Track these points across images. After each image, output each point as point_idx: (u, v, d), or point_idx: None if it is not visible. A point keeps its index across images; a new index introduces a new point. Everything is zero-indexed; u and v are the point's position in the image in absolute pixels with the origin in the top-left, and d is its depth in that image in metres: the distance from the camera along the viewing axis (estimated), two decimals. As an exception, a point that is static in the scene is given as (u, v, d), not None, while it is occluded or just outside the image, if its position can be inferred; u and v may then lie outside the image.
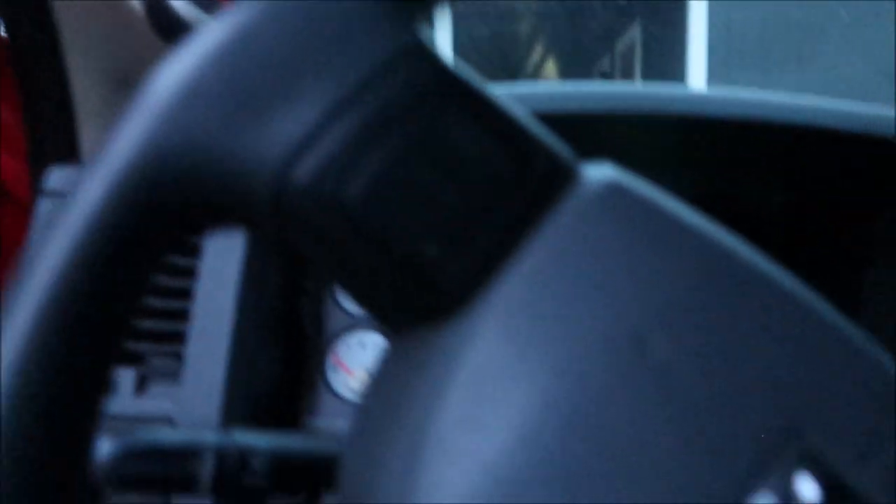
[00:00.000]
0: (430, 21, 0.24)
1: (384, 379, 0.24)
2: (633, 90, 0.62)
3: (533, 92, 0.63)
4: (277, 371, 0.71)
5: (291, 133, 0.20)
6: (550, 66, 8.93)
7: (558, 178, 0.23)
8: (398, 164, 0.21)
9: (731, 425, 0.20)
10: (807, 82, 4.91)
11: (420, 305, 0.22)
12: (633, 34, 6.87)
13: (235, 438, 0.42)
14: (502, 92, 0.25)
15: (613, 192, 0.22)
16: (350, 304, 0.76)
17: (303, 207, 0.21)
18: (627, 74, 7.12)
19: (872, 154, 0.61)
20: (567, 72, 8.93)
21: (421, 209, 0.21)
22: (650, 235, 0.22)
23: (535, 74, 9.26)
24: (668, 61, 6.20)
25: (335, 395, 0.74)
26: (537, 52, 8.01)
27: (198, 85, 0.20)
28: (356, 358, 0.75)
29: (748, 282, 0.22)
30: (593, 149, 0.66)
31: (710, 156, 0.67)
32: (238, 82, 0.20)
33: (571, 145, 0.65)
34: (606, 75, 7.76)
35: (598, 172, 0.23)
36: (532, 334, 0.21)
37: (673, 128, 0.62)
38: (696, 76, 5.58)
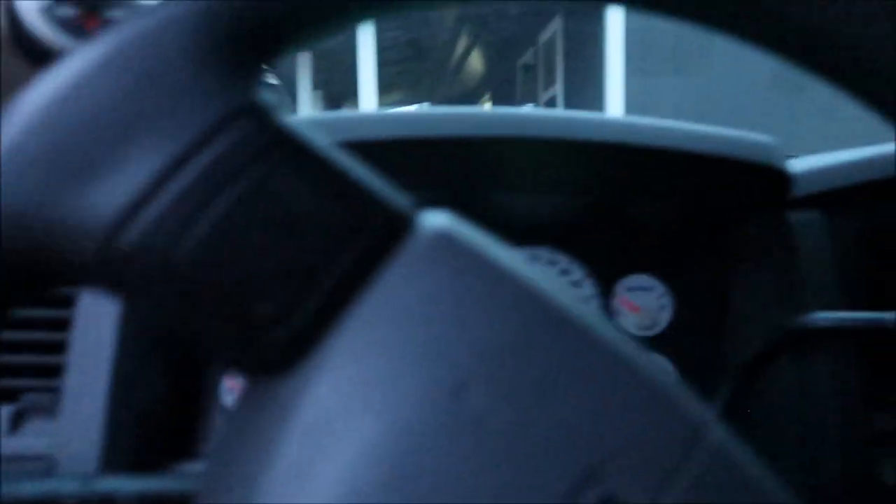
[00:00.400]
0: (264, 78, 0.24)
1: (234, 423, 0.24)
2: (528, 114, 0.64)
3: (418, 116, 0.64)
4: (165, 399, 0.69)
5: (118, 197, 0.20)
6: (475, 61, 8.98)
7: (392, 231, 0.23)
8: (228, 225, 0.21)
9: (539, 472, 0.21)
10: (715, 75, 5.10)
11: (254, 360, 0.22)
12: (555, 27, 6.98)
13: (96, 485, 0.41)
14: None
15: (443, 242, 0.23)
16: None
17: (132, 271, 0.21)
18: (550, 67, 7.24)
19: (734, 171, 0.65)
20: (491, 66, 9.00)
21: (251, 269, 0.21)
22: (475, 285, 0.22)
23: (459, 70, 9.31)
24: (588, 53, 6.33)
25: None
26: (460, 47, 8.06)
27: (22, 149, 0.20)
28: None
29: (560, 329, 0.23)
30: (489, 172, 0.67)
31: (598, 176, 0.69)
32: (64, 146, 0.20)
33: (465, 168, 0.68)
34: (530, 68, 7.88)
35: (433, 223, 0.23)
36: (359, 387, 0.21)
37: (567, 150, 0.64)
38: (614, 68, 5.71)
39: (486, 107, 0.70)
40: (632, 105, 5.62)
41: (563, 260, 0.80)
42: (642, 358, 0.24)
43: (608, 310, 0.79)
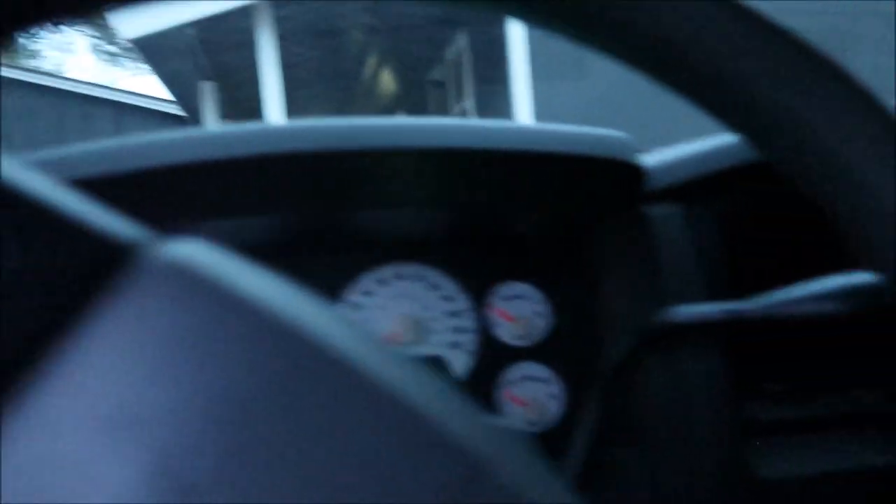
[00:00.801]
0: None
1: None
2: (380, 125, 0.60)
3: (271, 131, 0.59)
4: None
5: None
6: (385, 78, 8.99)
7: (99, 269, 0.20)
8: None
9: None
10: (622, 77, 5.23)
11: None
12: (461, 43, 7.05)
13: None
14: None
15: (173, 275, 0.19)
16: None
17: None
18: (458, 81, 7.29)
19: (585, 168, 0.63)
20: (402, 82, 9.03)
21: None
22: (206, 325, 0.19)
23: (371, 88, 9.29)
24: (495, 63, 6.41)
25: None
26: (370, 65, 8.04)
27: None
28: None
29: (316, 367, 0.19)
30: (348, 187, 0.63)
31: (455, 184, 0.66)
32: None
33: (324, 184, 0.63)
34: (439, 84, 7.92)
35: (163, 253, 0.20)
36: (48, 472, 0.17)
37: (420, 161, 0.60)
38: (519, 76, 5.81)
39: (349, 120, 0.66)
40: (541, 112, 5.72)
41: (432, 274, 0.76)
42: (417, 392, 0.20)
43: (484, 321, 0.76)
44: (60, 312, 0.19)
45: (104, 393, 0.18)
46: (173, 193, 0.58)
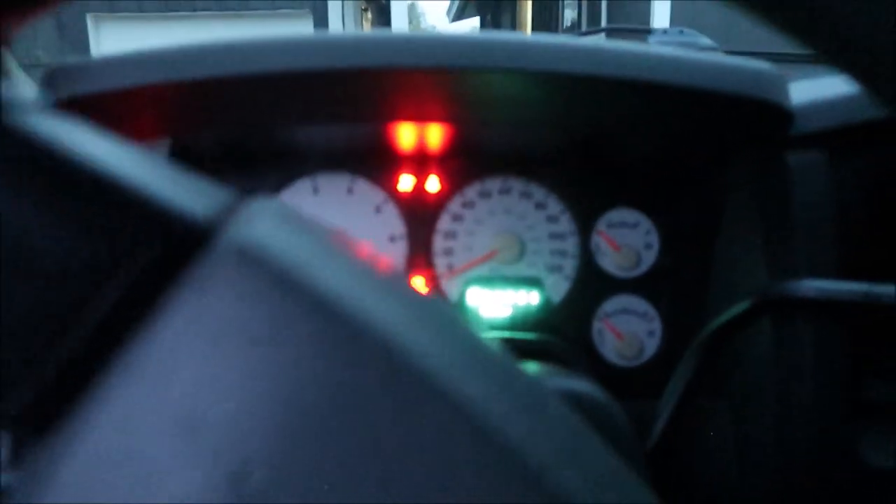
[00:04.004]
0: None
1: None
2: (509, 41, 0.56)
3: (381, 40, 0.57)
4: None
5: None
6: (524, 13, 8.76)
7: (174, 252, 0.18)
8: None
9: None
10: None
11: (7, 419, 0.18)
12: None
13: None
14: None
15: (243, 262, 0.18)
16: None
17: None
18: (594, 19, 6.97)
19: (726, 104, 0.56)
20: (537, 20, 8.75)
21: None
22: (279, 322, 0.17)
23: (513, 24, 9.06)
24: (633, 4, 6.06)
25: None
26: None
27: None
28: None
29: (393, 375, 0.17)
30: (464, 99, 0.60)
31: (579, 109, 0.61)
32: None
33: (444, 95, 0.61)
34: (574, 23, 7.61)
35: (240, 231, 0.18)
36: (120, 460, 0.17)
37: (543, 81, 0.56)
38: (661, 16, 5.47)
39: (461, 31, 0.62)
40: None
41: (539, 192, 0.72)
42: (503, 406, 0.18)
43: (588, 247, 0.72)
44: (133, 304, 0.18)
45: (178, 394, 0.17)
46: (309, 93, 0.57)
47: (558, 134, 0.67)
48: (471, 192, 0.73)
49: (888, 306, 0.50)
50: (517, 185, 0.73)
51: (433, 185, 0.72)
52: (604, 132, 0.66)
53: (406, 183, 0.72)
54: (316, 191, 0.72)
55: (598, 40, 0.57)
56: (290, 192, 0.72)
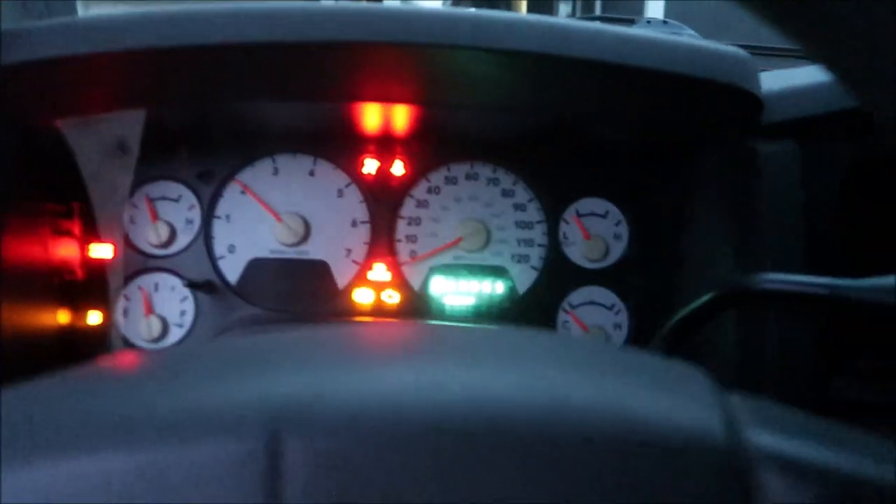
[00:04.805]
0: None
1: None
2: (482, 18, 0.54)
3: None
4: (45, 325, 0.64)
5: None
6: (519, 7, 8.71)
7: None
8: None
9: None
10: None
11: None
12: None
13: None
14: None
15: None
16: (147, 245, 0.68)
17: None
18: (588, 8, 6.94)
19: (696, 88, 0.54)
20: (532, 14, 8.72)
21: None
22: None
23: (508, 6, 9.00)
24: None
25: (126, 342, 0.68)
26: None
27: None
28: (153, 301, 0.68)
29: None
30: (435, 79, 0.58)
31: (546, 89, 0.59)
32: None
33: (415, 75, 0.58)
34: (569, 17, 7.57)
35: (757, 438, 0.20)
36: None
37: (524, 61, 0.54)
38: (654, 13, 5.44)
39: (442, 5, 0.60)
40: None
41: (507, 179, 0.70)
42: None
43: (556, 236, 0.70)
44: None
45: None
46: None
47: (527, 118, 0.65)
48: (436, 177, 0.70)
49: (854, 302, 0.48)
50: (484, 171, 0.71)
51: (398, 169, 0.70)
52: (572, 116, 0.64)
53: (370, 166, 0.70)
54: (276, 172, 0.70)
55: (571, 20, 0.54)
56: (249, 172, 0.69)
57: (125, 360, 0.23)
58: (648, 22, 0.89)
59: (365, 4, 0.52)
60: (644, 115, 0.60)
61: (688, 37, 0.80)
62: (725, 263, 0.58)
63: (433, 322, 0.68)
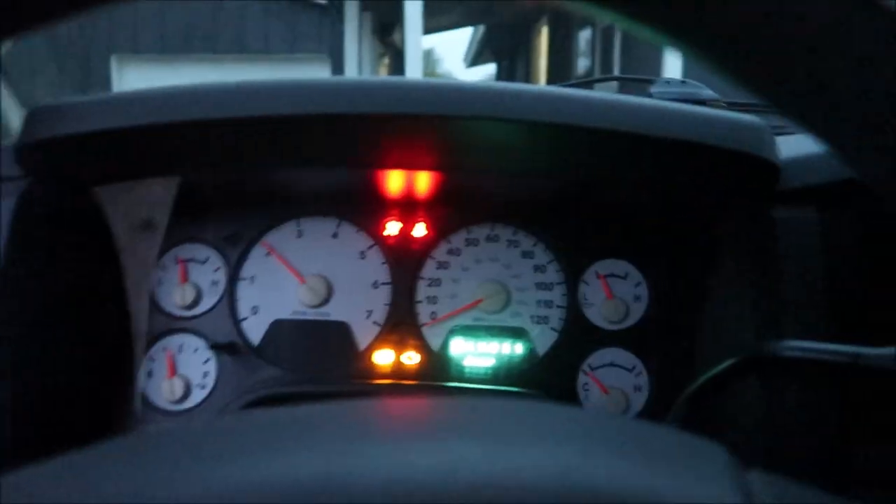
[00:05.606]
0: None
1: None
2: (499, 90, 0.56)
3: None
4: (76, 381, 0.65)
5: None
6: (539, 60, 8.89)
7: None
8: None
9: None
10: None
11: None
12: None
13: None
14: None
15: None
16: (173, 307, 0.70)
17: None
18: (607, 68, 7.06)
19: (711, 157, 0.55)
20: (552, 68, 8.89)
21: None
22: None
23: (527, 70, 9.19)
24: (645, 53, 6.14)
25: (149, 404, 0.68)
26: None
27: None
28: (176, 362, 0.69)
29: None
30: (458, 147, 0.59)
31: (567, 157, 0.61)
32: None
33: (433, 143, 0.60)
34: (588, 72, 7.71)
35: None
36: None
37: (529, 130, 0.56)
38: (673, 66, 5.52)
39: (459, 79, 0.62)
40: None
41: (527, 241, 0.71)
42: None
43: (576, 298, 0.70)
44: None
45: None
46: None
47: (545, 182, 0.66)
48: (457, 239, 0.72)
49: (878, 370, 0.48)
50: (504, 233, 0.72)
51: (419, 231, 0.72)
52: (592, 182, 0.65)
53: (392, 229, 0.72)
54: (301, 234, 0.71)
55: (590, 91, 0.56)
56: (275, 234, 0.71)
57: (138, 439, 0.24)
58: (668, 82, 0.91)
59: (387, 79, 0.55)
60: (661, 181, 0.61)
61: (708, 98, 0.81)
62: (747, 329, 0.57)
63: (450, 390, 0.68)
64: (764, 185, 0.55)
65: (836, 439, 0.52)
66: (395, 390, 0.68)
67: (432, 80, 0.55)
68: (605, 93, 0.55)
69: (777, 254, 0.55)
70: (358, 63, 7.11)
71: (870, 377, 0.48)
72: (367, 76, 0.68)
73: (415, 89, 0.53)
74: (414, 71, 6.40)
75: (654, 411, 0.68)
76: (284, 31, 6.95)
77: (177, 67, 7.00)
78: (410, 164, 0.62)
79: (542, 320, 0.71)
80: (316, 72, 6.91)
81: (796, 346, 0.50)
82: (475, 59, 14.43)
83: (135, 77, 6.98)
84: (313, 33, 7.01)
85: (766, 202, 0.56)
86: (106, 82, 6.84)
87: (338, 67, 6.96)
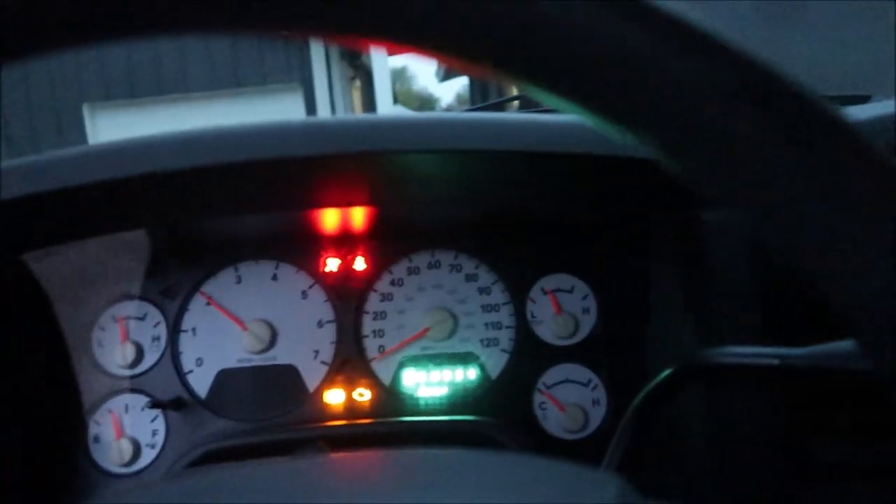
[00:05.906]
0: None
1: None
2: (420, 121, 0.55)
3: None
4: (24, 449, 0.63)
5: None
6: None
7: None
8: None
9: None
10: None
11: None
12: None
13: None
14: None
15: None
16: (115, 367, 0.68)
17: None
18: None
19: (634, 167, 0.54)
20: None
21: None
22: None
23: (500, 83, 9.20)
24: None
25: (98, 468, 0.67)
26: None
27: None
28: (123, 423, 0.68)
29: None
30: (390, 180, 0.58)
31: (498, 181, 0.60)
32: None
33: (366, 178, 0.59)
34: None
35: None
36: None
37: (459, 160, 0.55)
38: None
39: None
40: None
41: (469, 264, 0.70)
42: None
43: (524, 316, 0.69)
44: None
45: None
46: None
47: (476, 205, 0.65)
48: (398, 269, 0.70)
49: (804, 370, 0.47)
50: (446, 258, 0.70)
51: (360, 265, 0.70)
52: (517, 202, 0.64)
53: (332, 265, 0.70)
54: (239, 280, 0.70)
55: (484, 114, 0.55)
56: (212, 283, 0.70)
57: None
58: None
59: (307, 120, 0.54)
60: (581, 193, 0.60)
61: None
62: (690, 336, 0.56)
63: (404, 424, 0.67)
64: (691, 190, 0.55)
65: (786, 438, 0.51)
66: (348, 431, 0.66)
67: (339, 118, 0.54)
68: (501, 114, 0.54)
69: (706, 258, 0.54)
70: (328, 88, 7.12)
71: (799, 378, 0.47)
72: (282, 119, 0.66)
73: (325, 130, 0.52)
74: (383, 92, 6.41)
75: (614, 425, 0.66)
76: (254, 63, 6.96)
77: (149, 110, 7.00)
78: (338, 202, 0.61)
79: (492, 342, 0.69)
80: (290, 100, 6.91)
81: (728, 352, 0.49)
82: (447, 74, 14.47)
83: (108, 123, 6.97)
84: (282, 63, 7.02)
85: (696, 206, 0.55)
86: (80, 131, 6.83)
87: (310, 94, 6.97)
